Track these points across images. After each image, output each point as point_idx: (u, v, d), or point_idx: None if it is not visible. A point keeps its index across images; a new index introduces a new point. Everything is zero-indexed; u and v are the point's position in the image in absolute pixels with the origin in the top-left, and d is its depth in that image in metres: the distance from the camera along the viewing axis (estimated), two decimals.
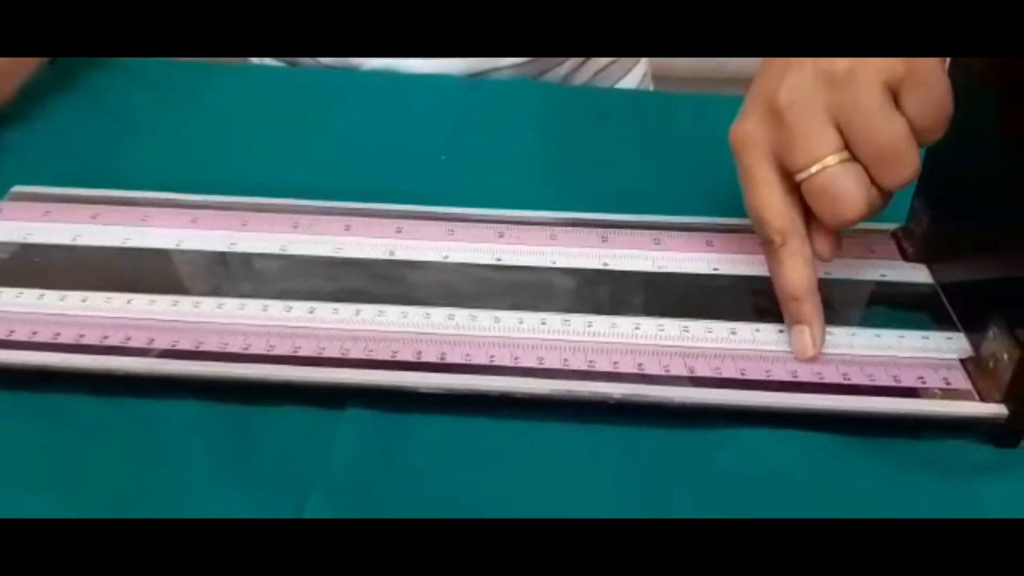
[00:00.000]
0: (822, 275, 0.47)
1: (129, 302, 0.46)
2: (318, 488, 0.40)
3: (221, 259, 0.49)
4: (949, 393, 0.42)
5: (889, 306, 0.47)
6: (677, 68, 1.02)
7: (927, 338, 0.45)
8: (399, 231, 0.51)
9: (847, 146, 0.40)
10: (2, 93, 0.61)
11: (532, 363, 0.43)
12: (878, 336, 0.45)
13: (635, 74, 0.82)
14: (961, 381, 0.43)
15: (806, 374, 0.43)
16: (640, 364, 0.43)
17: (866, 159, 0.40)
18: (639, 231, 0.51)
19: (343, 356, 0.43)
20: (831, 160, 0.40)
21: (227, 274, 0.48)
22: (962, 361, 0.44)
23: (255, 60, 0.79)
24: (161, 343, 0.44)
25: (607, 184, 0.58)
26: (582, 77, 0.78)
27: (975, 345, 0.44)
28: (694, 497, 0.40)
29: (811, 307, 0.43)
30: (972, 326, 0.44)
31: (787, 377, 0.43)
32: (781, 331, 0.45)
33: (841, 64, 0.40)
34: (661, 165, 0.59)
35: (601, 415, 0.43)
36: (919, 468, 0.41)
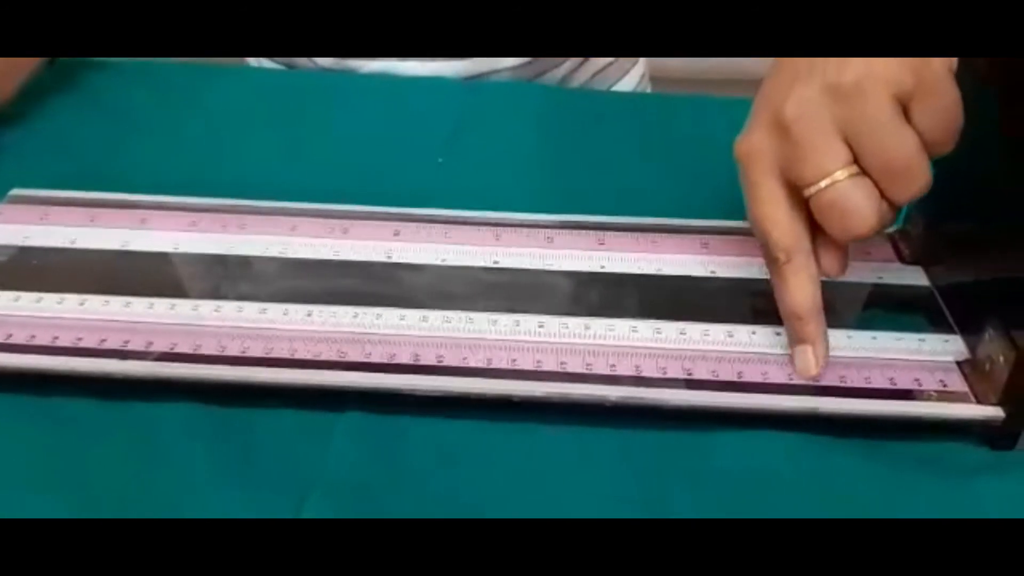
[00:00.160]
0: (820, 289, 0.47)
1: (127, 305, 0.46)
2: (316, 490, 0.40)
3: (219, 262, 0.49)
4: (945, 395, 0.42)
5: (886, 308, 0.47)
6: (674, 70, 1.02)
7: (923, 340, 0.45)
8: (396, 234, 0.51)
9: (856, 160, 0.40)
10: (2, 94, 0.61)
11: (529, 366, 0.43)
12: (874, 338, 0.45)
13: (632, 76, 0.82)
14: (957, 383, 0.43)
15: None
16: (637, 367, 0.43)
17: (876, 173, 0.40)
18: (636, 233, 0.51)
19: (340, 359, 0.43)
20: (840, 175, 0.40)
21: (225, 277, 0.48)
22: (958, 363, 0.44)
23: (253, 63, 0.79)
24: (159, 346, 0.44)
25: (604, 186, 0.58)
26: (579, 79, 0.78)
27: (971, 347, 0.44)
28: (692, 499, 0.40)
29: (815, 326, 0.43)
30: (968, 328, 0.44)
31: (784, 380, 0.43)
32: (778, 333, 0.45)
33: (849, 77, 0.39)
34: (659, 167, 0.59)
35: (599, 417, 0.43)
36: (916, 470, 0.42)
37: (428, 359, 0.43)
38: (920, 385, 0.43)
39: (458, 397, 0.42)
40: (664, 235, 0.51)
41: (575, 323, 0.45)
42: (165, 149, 0.61)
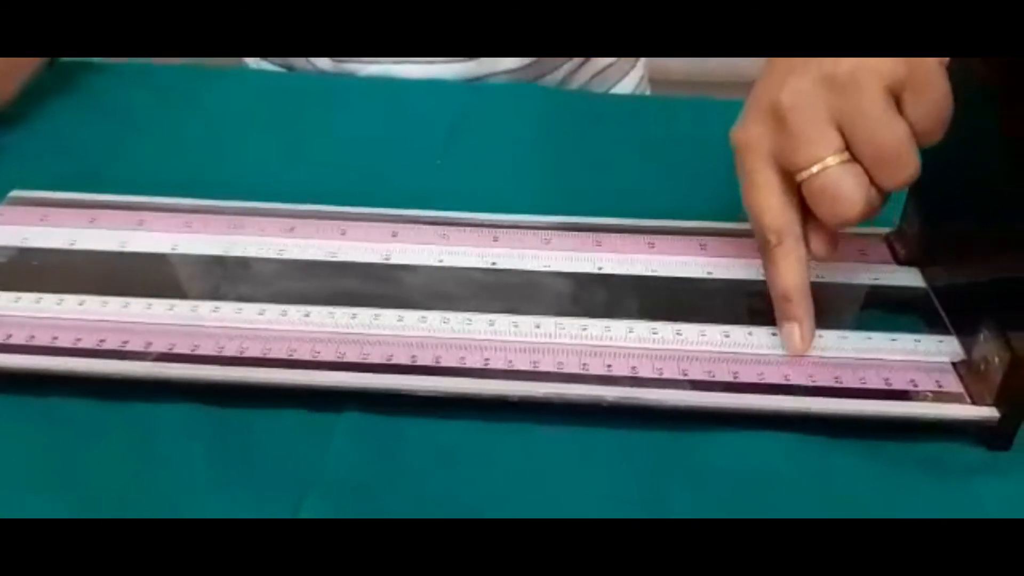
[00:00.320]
0: (815, 279, 0.47)
1: (126, 306, 0.46)
2: (314, 490, 0.40)
3: (217, 263, 0.49)
4: (941, 396, 0.42)
5: (881, 309, 0.48)
6: (673, 72, 1.02)
7: (919, 341, 0.45)
8: (394, 235, 0.51)
9: (848, 147, 0.41)
10: (2, 95, 0.61)
11: (526, 366, 0.43)
12: (870, 339, 0.45)
13: (632, 78, 0.82)
14: (953, 384, 0.43)
15: (799, 377, 0.43)
16: (634, 367, 0.43)
17: (867, 161, 0.41)
18: (633, 235, 0.51)
19: (339, 359, 0.44)
20: (831, 161, 0.41)
21: (224, 278, 0.48)
22: (954, 364, 0.44)
23: (253, 65, 0.79)
24: (158, 347, 0.44)
25: (603, 188, 0.58)
26: (578, 81, 0.79)
27: (967, 348, 0.44)
28: (688, 499, 0.40)
29: (802, 306, 0.44)
30: (964, 329, 0.45)
31: (780, 380, 0.43)
32: (774, 334, 0.45)
33: (844, 67, 0.40)
34: (657, 169, 0.60)
35: (596, 418, 0.43)
36: (911, 470, 0.42)
37: (426, 360, 0.44)
38: (916, 386, 0.43)
39: (456, 397, 0.43)
40: (661, 236, 0.51)
41: (572, 324, 0.45)
42: (164, 150, 0.61)
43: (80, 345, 0.44)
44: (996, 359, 0.41)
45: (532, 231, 0.51)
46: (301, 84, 0.73)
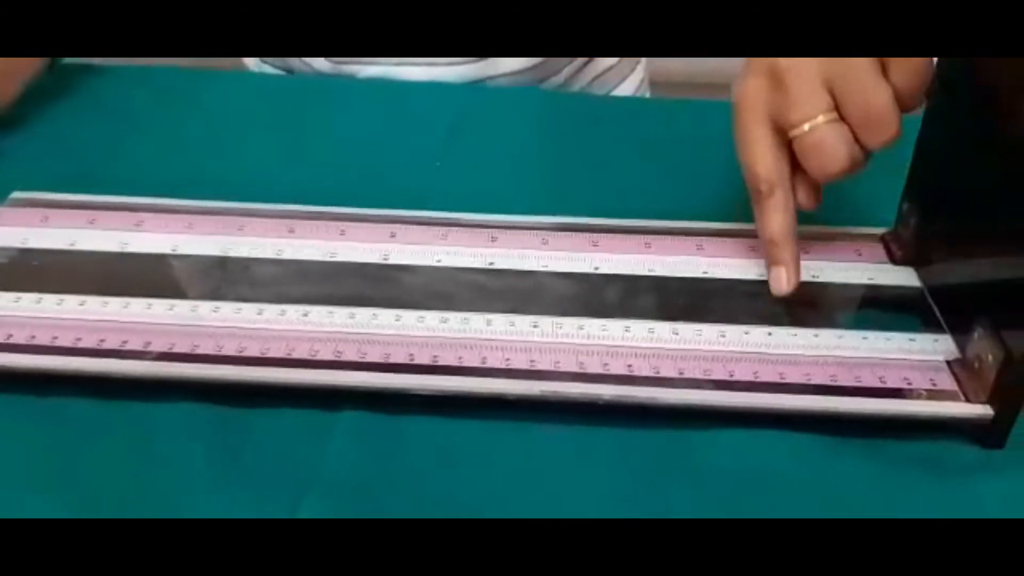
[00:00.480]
0: (811, 279, 0.48)
1: (126, 306, 0.46)
2: (313, 489, 0.40)
3: (217, 263, 0.49)
4: (935, 394, 0.43)
5: (877, 308, 0.48)
6: (673, 74, 1.02)
7: (914, 340, 0.45)
8: (393, 235, 0.51)
9: (836, 108, 0.44)
10: (3, 97, 0.61)
11: (524, 365, 0.44)
12: (865, 338, 0.45)
13: (632, 80, 0.82)
14: (947, 382, 0.43)
15: (794, 375, 0.43)
16: (630, 366, 0.44)
17: (853, 120, 0.44)
18: (630, 235, 0.51)
19: (337, 359, 0.44)
20: (821, 119, 0.44)
21: (223, 278, 0.49)
22: (948, 362, 0.44)
23: (253, 68, 0.79)
24: (158, 346, 0.44)
25: (601, 189, 0.58)
26: (579, 83, 0.79)
27: (961, 347, 0.44)
28: (685, 497, 0.41)
29: (789, 251, 0.47)
30: (958, 328, 0.45)
31: (775, 379, 0.43)
32: (770, 333, 0.45)
33: None
34: (655, 170, 0.60)
35: (594, 417, 0.43)
36: (906, 468, 0.42)
37: (424, 359, 0.44)
38: (910, 384, 0.43)
39: (454, 397, 0.43)
40: (658, 236, 0.51)
41: (569, 323, 0.46)
42: (164, 152, 0.61)
43: (80, 345, 0.44)
44: (990, 357, 0.41)
45: (530, 231, 0.51)
46: (300, 85, 0.73)
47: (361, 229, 0.51)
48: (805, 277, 0.47)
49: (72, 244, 0.50)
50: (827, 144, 0.44)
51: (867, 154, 0.45)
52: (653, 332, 0.45)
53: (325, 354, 0.44)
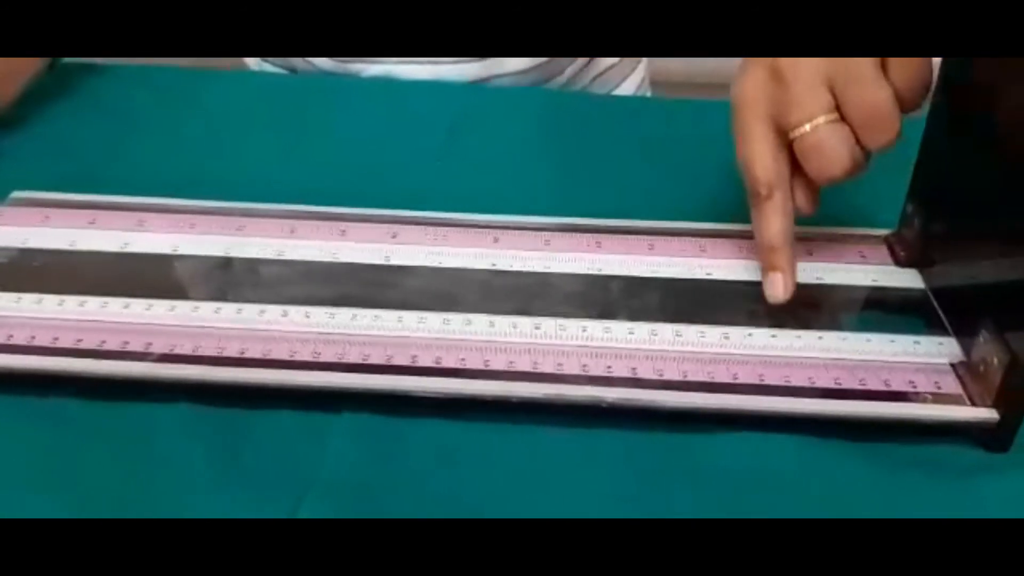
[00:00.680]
0: (815, 281, 0.48)
1: (127, 307, 0.46)
2: (313, 491, 0.40)
3: (218, 264, 0.49)
4: (940, 397, 0.42)
5: (881, 311, 0.48)
6: (674, 74, 1.02)
7: (918, 343, 0.45)
8: (394, 236, 0.51)
9: (837, 108, 0.43)
10: (3, 98, 0.61)
11: (527, 367, 0.43)
12: (869, 341, 0.45)
13: (633, 80, 0.82)
14: (952, 385, 0.43)
15: (798, 378, 0.43)
16: (633, 368, 0.44)
17: (854, 121, 0.43)
18: (633, 236, 0.51)
19: (339, 360, 0.44)
20: (822, 120, 0.43)
21: (224, 279, 0.48)
22: (953, 365, 0.44)
23: (254, 67, 0.79)
24: (159, 347, 0.44)
25: (603, 189, 0.58)
26: (580, 82, 0.79)
27: (966, 350, 0.44)
28: (689, 500, 0.40)
29: (786, 256, 0.46)
30: (963, 331, 0.45)
31: (780, 382, 0.43)
32: (774, 336, 0.45)
33: None
34: (657, 170, 0.60)
35: (596, 419, 0.43)
36: (910, 471, 0.42)
37: (426, 361, 0.44)
38: (915, 387, 0.43)
39: (456, 398, 0.43)
40: (661, 238, 0.51)
41: (572, 325, 0.46)
42: (164, 152, 0.61)
43: (81, 346, 0.44)
44: (995, 360, 0.41)
45: (532, 232, 0.51)
46: (301, 85, 0.73)
47: (363, 230, 0.51)
48: (808, 279, 0.47)
49: (73, 244, 0.50)
50: (828, 145, 0.43)
51: (867, 156, 0.44)
52: (656, 334, 0.45)
53: (328, 356, 0.44)
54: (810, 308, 0.47)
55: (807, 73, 0.44)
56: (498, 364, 0.44)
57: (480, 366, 0.43)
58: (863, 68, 0.43)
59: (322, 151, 0.61)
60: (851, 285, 0.48)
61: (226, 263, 0.49)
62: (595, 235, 0.51)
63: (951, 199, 0.47)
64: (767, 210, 0.46)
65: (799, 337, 0.45)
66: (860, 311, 0.48)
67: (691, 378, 0.43)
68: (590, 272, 0.49)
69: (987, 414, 0.42)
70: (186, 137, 0.63)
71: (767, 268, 0.47)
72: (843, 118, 0.43)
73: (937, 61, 0.44)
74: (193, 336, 0.45)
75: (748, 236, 0.49)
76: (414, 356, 0.44)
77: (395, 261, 0.49)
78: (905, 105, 0.43)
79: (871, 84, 0.43)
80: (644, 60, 0.84)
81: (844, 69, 0.43)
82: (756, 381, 0.43)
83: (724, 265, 0.49)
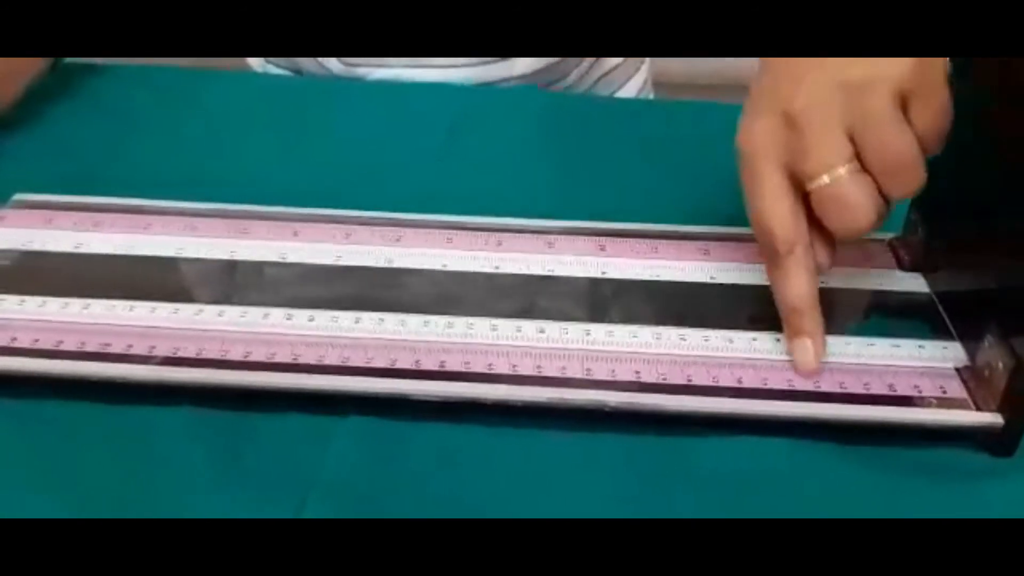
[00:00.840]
0: (819, 285, 0.47)
1: (131, 309, 0.46)
2: (316, 494, 0.40)
3: (222, 267, 0.49)
4: (945, 402, 0.42)
5: (885, 315, 0.48)
6: (676, 75, 1.02)
7: (923, 347, 0.45)
8: (398, 239, 0.51)
9: (856, 155, 0.41)
10: (5, 98, 0.61)
11: (530, 371, 0.43)
12: (874, 345, 0.45)
13: (636, 81, 0.82)
14: (957, 390, 0.43)
15: (803, 383, 0.43)
16: (637, 372, 0.43)
17: (876, 170, 0.41)
18: (637, 240, 0.51)
19: (342, 364, 0.44)
20: (842, 170, 0.40)
21: (228, 282, 0.48)
22: (958, 370, 0.44)
23: (259, 68, 0.79)
24: (162, 350, 0.44)
25: (606, 192, 0.58)
26: (583, 85, 0.79)
27: (971, 354, 0.44)
28: (692, 504, 0.40)
29: (814, 319, 0.43)
30: (968, 335, 0.45)
31: (784, 386, 0.43)
32: (778, 339, 0.45)
33: (857, 73, 0.40)
34: (660, 172, 0.60)
35: (600, 422, 0.43)
36: (915, 476, 0.42)
37: (429, 364, 0.44)
38: (919, 392, 0.43)
39: (459, 402, 0.43)
40: (665, 241, 0.51)
41: (575, 329, 0.45)
42: (167, 153, 0.61)
43: (85, 349, 0.44)
44: (1000, 365, 0.41)
45: (536, 235, 0.51)
46: (301, 86, 0.73)
47: (366, 232, 0.51)
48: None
49: (76, 247, 0.50)
50: (851, 198, 0.40)
51: (889, 205, 0.42)
52: (660, 338, 0.45)
53: (331, 359, 0.44)
54: None
55: (823, 118, 0.40)
56: (501, 367, 0.44)
57: (483, 369, 0.43)
58: (882, 111, 0.40)
59: (323, 152, 0.61)
60: (855, 289, 0.48)
61: (230, 266, 0.49)
62: (598, 238, 0.51)
63: (955, 203, 0.47)
64: (789, 269, 0.43)
65: None
66: (864, 315, 0.48)
67: (695, 382, 0.43)
68: (594, 275, 0.49)
69: (992, 418, 0.41)
70: (187, 138, 0.63)
71: (793, 334, 0.43)
72: (863, 166, 0.41)
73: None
74: (197, 339, 0.45)
75: (752, 239, 0.49)
76: (417, 360, 0.44)
77: (399, 264, 0.49)
78: (927, 149, 0.41)
79: (892, 129, 0.40)
80: (647, 61, 0.84)
81: (864, 114, 0.40)
82: (760, 385, 0.43)
83: (728, 269, 0.49)
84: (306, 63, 0.75)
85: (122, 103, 0.66)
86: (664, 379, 0.43)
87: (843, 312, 0.47)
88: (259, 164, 0.60)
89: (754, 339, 0.45)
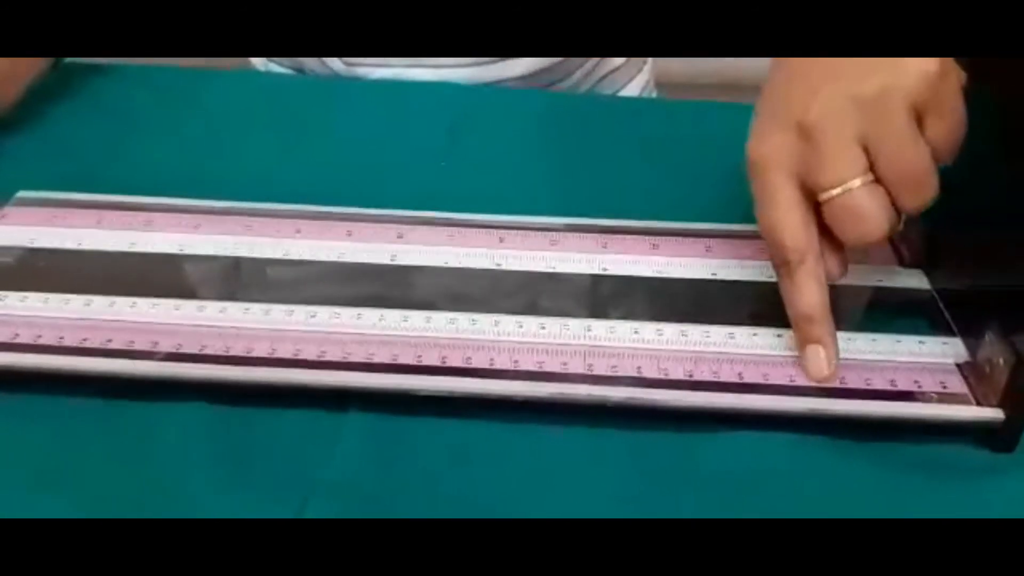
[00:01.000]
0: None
1: (133, 306, 0.46)
2: (319, 490, 0.40)
3: (224, 264, 0.49)
4: (946, 397, 0.42)
5: (886, 311, 0.48)
6: (678, 74, 1.02)
7: (923, 343, 0.45)
8: (400, 236, 0.51)
9: (870, 167, 0.41)
10: (6, 98, 0.61)
11: (531, 367, 0.43)
12: (875, 341, 0.45)
13: (638, 81, 0.82)
14: (958, 385, 0.43)
15: (804, 378, 0.43)
16: (639, 368, 0.44)
17: (890, 182, 0.41)
18: (638, 236, 0.51)
19: (345, 359, 0.44)
20: (857, 182, 0.41)
21: (230, 278, 0.48)
22: (958, 366, 0.44)
23: (260, 67, 0.79)
24: (165, 346, 0.44)
25: (607, 190, 0.58)
26: (585, 85, 0.79)
27: (971, 350, 0.44)
28: (694, 498, 0.40)
29: (826, 327, 0.43)
30: (968, 331, 0.45)
31: (785, 381, 0.43)
32: (779, 335, 0.45)
33: (872, 86, 0.40)
34: (661, 171, 0.60)
35: (600, 418, 0.43)
36: (916, 471, 0.42)
37: (431, 360, 0.44)
38: (920, 387, 0.43)
39: (460, 398, 0.43)
40: (666, 238, 0.51)
41: (577, 325, 0.46)
42: (168, 152, 0.61)
43: (87, 345, 0.44)
44: (1001, 361, 0.41)
45: (537, 232, 0.51)
46: (302, 85, 0.73)
47: (368, 229, 0.51)
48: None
49: (79, 244, 0.50)
50: (864, 210, 0.41)
51: (901, 216, 0.42)
52: (662, 334, 0.45)
53: (333, 355, 0.44)
54: None
55: (838, 130, 0.40)
56: (503, 363, 0.44)
57: (485, 365, 0.43)
58: (898, 125, 0.40)
59: (324, 151, 0.61)
60: (856, 285, 0.48)
61: (232, 263, 0.49)
62: (600, 235, 0.51)
63: (956, 199, 0.47)
64: (800, 278, 0.43)
65: None
66: (865, 311, 0.48)
67: (696, 378, 0.43)
68: (596, 272, 0.49)
69: (993, 414, 0.42)
70: (188, 137, 0.63)
71: (804, 342, 0.43)
72: (876, 177, 0.41)
73: None
74: (199, 335, 0.45)
75: (754, 236, 0.49)
76: (419, 355, 0.44)
77: (401, 261, 0.49)
78: (940, 161, 0.41)
79: (907, 142, 0.40)
80: (649, 61, 0.84)
81: (878, 125, 0.40)
82: (761, 380, 0.43)
83: (729, 265, 0.49)
84: (308, 61, 0.75)
85: (123, 103, 0.66)
86: (666, 375, 0.43)
87: (844, 308, 0.47)
88: (259, 164, 0.60)
89: (755, 334, 0.45)
